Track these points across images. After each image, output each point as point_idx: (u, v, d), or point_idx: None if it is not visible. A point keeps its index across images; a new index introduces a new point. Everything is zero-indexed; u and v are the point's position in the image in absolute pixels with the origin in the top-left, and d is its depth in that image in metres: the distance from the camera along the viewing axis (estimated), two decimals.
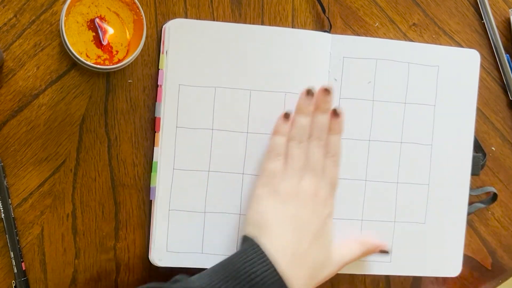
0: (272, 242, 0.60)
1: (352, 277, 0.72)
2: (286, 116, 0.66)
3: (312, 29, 0.70)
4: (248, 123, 0.67)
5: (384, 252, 0.69)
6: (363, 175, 0.69)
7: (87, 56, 0.62)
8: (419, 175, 0.71)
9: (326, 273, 0.64)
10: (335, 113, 0.66)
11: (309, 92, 0.66)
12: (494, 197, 0.74)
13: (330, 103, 0.66)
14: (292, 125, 0.66)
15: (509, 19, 0.74)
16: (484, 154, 0.73)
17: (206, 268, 0.67)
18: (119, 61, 0.62)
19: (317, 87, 0.66)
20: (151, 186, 0.66)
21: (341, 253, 0.66)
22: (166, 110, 0.65)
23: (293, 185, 0.64)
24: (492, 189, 0.74)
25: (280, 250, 0.60)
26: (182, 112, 0.66)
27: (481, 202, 0.74)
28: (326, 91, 0.66)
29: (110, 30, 0.62)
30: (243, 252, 0.59)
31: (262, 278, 0.57)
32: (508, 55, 0.74)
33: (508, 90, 0.74)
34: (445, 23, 0.73)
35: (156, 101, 0.67)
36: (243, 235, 0.63)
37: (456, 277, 0.72)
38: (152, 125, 0.67)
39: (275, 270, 0.58)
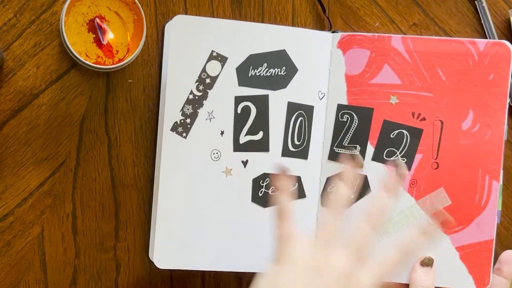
0: None
1: None
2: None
3: (312, 29, 0.70)
4: None
5: None
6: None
7: (87, 56, 0.62)
8: None
9: None
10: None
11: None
12: None
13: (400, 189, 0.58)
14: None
15: (509, 19, 0.74)
16: None
17: (206, 269, 0.67)
18: (119, 61, 0.62)
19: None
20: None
21: None
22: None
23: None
24: None
25: None
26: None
27: None
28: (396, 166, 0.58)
29: (110, 34, 0.62)
30: None
31: None
32: None
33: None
34: (445, 23, 0.73)
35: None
36: None
37: None
38: (152, 125, 0.67)
39: None
